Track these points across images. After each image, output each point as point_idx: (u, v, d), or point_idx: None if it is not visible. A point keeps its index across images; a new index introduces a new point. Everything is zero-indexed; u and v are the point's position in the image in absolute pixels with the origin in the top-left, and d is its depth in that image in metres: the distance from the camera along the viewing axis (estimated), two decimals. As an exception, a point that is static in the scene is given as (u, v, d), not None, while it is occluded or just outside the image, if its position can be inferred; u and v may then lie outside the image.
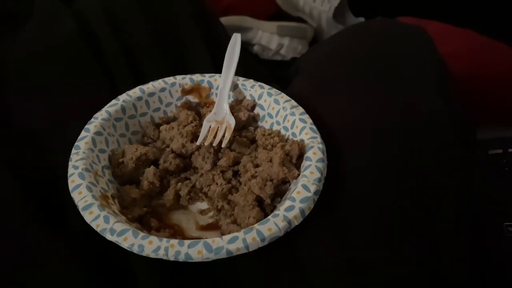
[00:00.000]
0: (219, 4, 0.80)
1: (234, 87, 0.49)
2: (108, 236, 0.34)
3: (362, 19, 0.82)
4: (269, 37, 0.79)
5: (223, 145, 0.43)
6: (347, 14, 0.83)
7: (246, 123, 0.48)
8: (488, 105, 0.62)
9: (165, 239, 0.33)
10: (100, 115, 0.44)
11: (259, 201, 0.40)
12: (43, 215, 0.39)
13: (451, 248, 0.39)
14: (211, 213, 0.42)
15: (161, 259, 0.33)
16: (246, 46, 0.76)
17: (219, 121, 0.46)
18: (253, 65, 0.64)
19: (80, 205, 0.36)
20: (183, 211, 0.42)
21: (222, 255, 0.33)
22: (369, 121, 0.44)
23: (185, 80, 0.49)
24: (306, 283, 0.37)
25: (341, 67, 0.49)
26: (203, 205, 0.43)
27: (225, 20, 0.75)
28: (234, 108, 0.48)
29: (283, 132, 0.46)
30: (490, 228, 0.47)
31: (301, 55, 0.78)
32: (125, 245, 0.33)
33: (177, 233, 0.40)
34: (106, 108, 0.45)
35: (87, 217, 0.35)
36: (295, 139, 0.43)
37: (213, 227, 0.41)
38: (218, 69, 0.53)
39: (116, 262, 0.38)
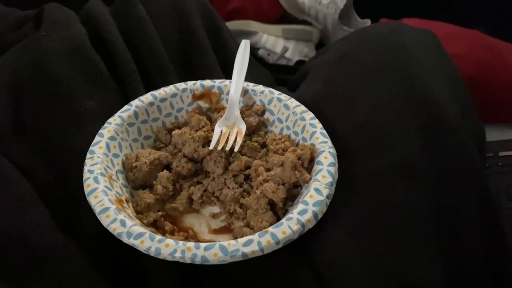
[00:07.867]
0: (224, 8, 0.80)
1: (244, 92, 0.50)
2: (125, 239, 0.34)
3: (368, 21, 0.82)
4: (274, 41, 0.80)
5: (235, 150, 0.44)
6: (352, 16, 0.83)
7: (256, 128, 0.48)
8: (497, 106, 0.62)
9: (181, 242, 0.34)
10: (114, 120, 0.44)
11: (271, 204, 0.40)
12: (57, 218, 0.39)
13: (469, 250, 0.39)
14: (223, 217, 0.42)
15: (176, 262, 0.34)
16: (251, 50, 0.76)
17: (230, 126, 0.46)
18: (259, 70, 0.65)
19: (96, 209, 0.36)
20: (195, 215, 0.43)
21: (238, 257, 0.33)
22: (379, 124, 0.44)
23: (195, 85, 0.50)
24: (319, 285, 0.37)
25: (350, 71, 0.49)
26: (215, 209, 0.43)
27: (230, 24, 0.76)
28: (244, 113, 0.49)
29: (293, 136, 0.46)
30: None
31: (307, 57, 0.79)
32: (142, 248, 0.34)
33: (190, 236, 0.40)
34: (119, 113, 0.45)
35: (104, 220, 0.35)
36: (305, 143, 0.43)
37: (226, 230, 0.41)
38: (226, 74, 0.54)
39: (130, 265, 0.39)
